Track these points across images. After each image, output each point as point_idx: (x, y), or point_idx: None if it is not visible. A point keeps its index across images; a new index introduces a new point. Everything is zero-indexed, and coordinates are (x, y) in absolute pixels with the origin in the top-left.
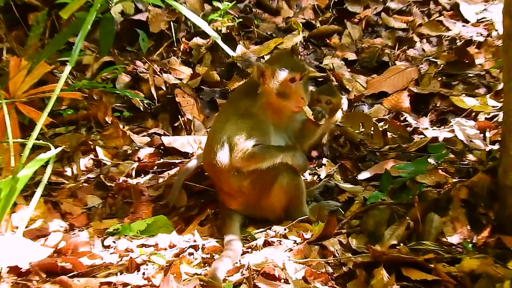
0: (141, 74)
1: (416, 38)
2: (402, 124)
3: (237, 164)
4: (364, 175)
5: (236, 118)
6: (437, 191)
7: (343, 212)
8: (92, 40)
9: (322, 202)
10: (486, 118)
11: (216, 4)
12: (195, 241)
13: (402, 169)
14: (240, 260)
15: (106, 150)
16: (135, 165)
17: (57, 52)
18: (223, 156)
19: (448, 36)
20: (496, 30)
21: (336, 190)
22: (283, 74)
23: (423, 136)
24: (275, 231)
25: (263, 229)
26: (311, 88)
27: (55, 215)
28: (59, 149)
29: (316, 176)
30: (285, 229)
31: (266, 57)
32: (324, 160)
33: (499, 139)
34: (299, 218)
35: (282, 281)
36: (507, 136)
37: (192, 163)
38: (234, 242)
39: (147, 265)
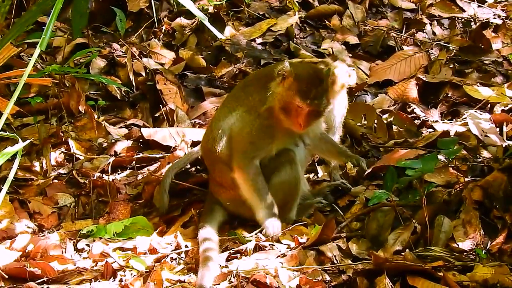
0: (118, 58)
1: (426, 20)
2: (409, 116)
3: (234, 166)
4: (366, 173)
5: (244, 111)
6: (447, 191)
7: (342, 214)
8: (63, 19)
9: (306, 201)
10: (503, 111)
11: None
12: (177, 244)
13: (408, 166)
14: (227, 266)
15: (79, 143)
16: (111, 159)
17: (24, 33)
18: (221, 147)
19: (462, 18)
20: None
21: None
22: (296, 96)
23: (432, 130)
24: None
25: (254, 232)
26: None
27: (23, 215)
28: (27, 141)
29: (312, 174)
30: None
31: (258, 40)
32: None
33: None
34: (295, 221)
35: None
36: None
37: (180, 160)
38: (212, 239)
39: (124, 271)
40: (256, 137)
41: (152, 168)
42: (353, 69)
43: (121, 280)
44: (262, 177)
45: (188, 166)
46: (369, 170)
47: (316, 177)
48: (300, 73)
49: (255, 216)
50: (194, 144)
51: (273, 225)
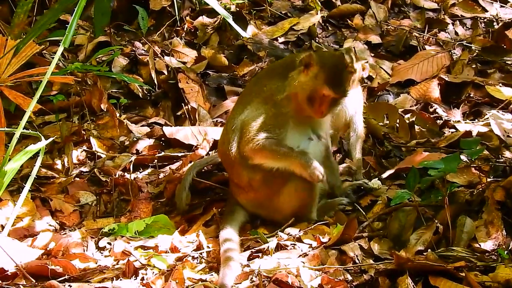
0: (140, 57)
1: (448, 20)
2: (431, 116)
3: (244, 151)
4: (388, 173)
5: (258, 102)
6: (469, 191)
7: (364, 214)
8: (85, 17)
9: (328, 200)
10: None
11: None
12: (199, 243)
13: (431, 166)
14: (249, 265)
15: (101, 141)
16: (133, 158)
17: (47, 31)
18: (235, 145)
19: (485, 18)
20: None
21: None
22: (324, 84)
23: (454, 130)
24: (288, 234)
25: (275, 231)
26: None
27: (44, 213)
28: (49, 140)
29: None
30: (300, 232)
31: (280, 39)
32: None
33: None
34: (316, 221)
35: None
36: None
37: (203, 160)
38: (233, 240)
39: (146, 269)
40: (270, 126)
41: (174, 166)
42: (366, 62)
43: (142, 279)
44: (278, 142)
45: (210, 166)
46: (392, 171)
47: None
48: (325, 61)
49: (297, 172)
50: (216, 143)
51: (309, 169)
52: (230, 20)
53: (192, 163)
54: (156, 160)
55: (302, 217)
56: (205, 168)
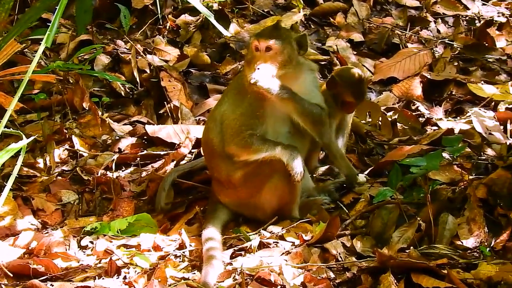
0: (122, 55)
1: (430, 18)
2: (413, 114)
3: (230, 150)
4: (370, 170)
5: (234, 93)
6: (451, 189)
7: (347, 211)
8: (67, 16)
9: (310, 198)
10: (507, 108)
11: None
12: (182, 242)
13: (413, 164)
14: (232, 263)
15: (83, 140)
16: (115, 156)
17: (29, 29)
18: (215, 137)
19: (466, 16)
20: None
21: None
22: (250, 41)
23: (436, 128)
24: (271, 232)
25: (258, 230)
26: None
27: (26, 212)
28: (31, 138)
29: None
30: (282, 230)
31: None
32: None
33: None
34: (299, 219)
35: (279, 287)
36: None
37: (185, 164)
38: (215, 239)
39: (128, 268)
40: (248, 116)
41: (156, 165)
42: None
43: (125, 278)
44: (261, 136)
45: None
46: (373, 168)
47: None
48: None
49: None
50: (198, 141)
51: (294, 162)
52: (212, 19)
53: (174, 166)
54: (138, 159)
55: (284, 215)
56: (187, 170)
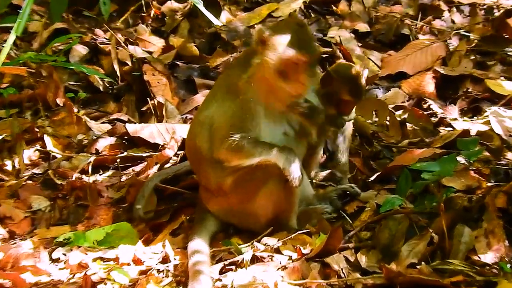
0: (101, 46)
1: (444, 6)
2: (425, 113)
3: (220, 155)
4: (376, 175)
5: (222, 94)
6: (467, 197)
7: (350, 222)
8: (40, 2)
9: (310, 206)
10: None
11: None
12: (165, 255)
13: (424, 169)
14: (221, 279)
15: (56, 140)
16: (92, 159)
17: None
18: (204, 142)
19: (484, 5)
20: None
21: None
22: (288, 52)
23: (451, 129)
24: (265, 244)
25: (251, 242)
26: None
27: None
28: None
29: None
30: (278, 242)
31: (257, 27)
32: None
33: None
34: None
35: None
36: None
37: (169, 169)
38: (202, 251)
39: (105, 284)
40: (240, 120)
41: (138, 168)
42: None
43: None
44: (254, 138)
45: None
46: (380, 173)
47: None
48: (279, 26)
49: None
50: (185, 142)
51: (291, 166)
52: (200, 6)
53: (156, 171)
54: (118, 161)
55: (280, 225)
56: (170, 176)
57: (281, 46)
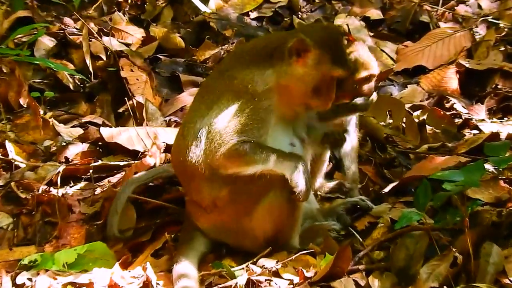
0: (71, 37)
1: None
2: (447, 113)
3: (216, 161)
4: (391, 186)
5: (229, 98)
6: (496, 211)
7: (361, 240)
8: None
9: (314, 223)
10: None
11: None
12: (147, 279)
13: (446, 178)
14: None
15: (20, 147)
16: (61, 168)
17: None
18: (198, 153)
19: None
20: None
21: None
22: (333, 70)
23: (477, 132)
24: (262, 267)
25: (246, 264)
26: None
27: None
28: None
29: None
30: (277, 264)
31: (252, 14)
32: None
33: None
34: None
35: None
36: None
37: (141, 175)
38: (189, 276)
39: None
40: (248, 126)
41: (114, 179)
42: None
43: None
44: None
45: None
46: (395, 183)
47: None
48: (323, 40)
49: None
50: (169, 148)
51: (299, 176)
52: None
53: (129, 179)
54: (91, 171)
55: (280, 244)
56: (151, 183)
57: (325, 62)
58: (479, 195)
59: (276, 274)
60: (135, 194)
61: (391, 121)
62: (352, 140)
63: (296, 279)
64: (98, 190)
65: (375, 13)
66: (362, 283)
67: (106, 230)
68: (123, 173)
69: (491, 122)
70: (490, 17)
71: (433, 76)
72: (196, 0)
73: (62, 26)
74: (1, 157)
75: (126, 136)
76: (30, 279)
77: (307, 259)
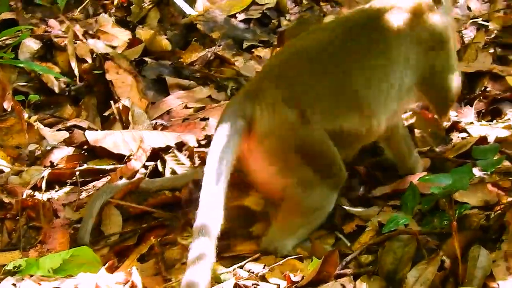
0: (56, 40)
1: None
2: (435, 116)
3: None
4: (380, 191)
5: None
6: (485, 214)
7: (348, 244)
8: None
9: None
10: None
11: None
12: (132, 284)
13: (434, 182)
14: None
15: (4, 151)
16: (46, 172)
17: None
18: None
19: None
20: None
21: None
22: None
23: (466, 135)
24: (249, 271)
25: (233, 267)
26: None
27: None
28: None
29: None
30: (264, 268)
31: (240, 16)
32: None
33: None
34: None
35: None
36: None
37: (118, 184)
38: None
39: None
40: None
41: (99, 183)
42: None
43: None
44: None
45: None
46: (386, 191)
47: None
48: None
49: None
50: (155, 152)
51: None
52: None
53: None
54: (76, 175)
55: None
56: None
57: None
58: (467, 199)
59: (263, 278)
60: (121, 201)
61: None
62: None
63: (283, 283)
64: (83, 195)
65: None
66: (350, 287)
67: (78, 237)
68: (109, 177)
69: (480, 125)
70: (480, 19)
71: None
72: (182, 2)
73: (47, 28)
74: None
75: (112, 139)
76: (14, 285)
77: (294, 263)
